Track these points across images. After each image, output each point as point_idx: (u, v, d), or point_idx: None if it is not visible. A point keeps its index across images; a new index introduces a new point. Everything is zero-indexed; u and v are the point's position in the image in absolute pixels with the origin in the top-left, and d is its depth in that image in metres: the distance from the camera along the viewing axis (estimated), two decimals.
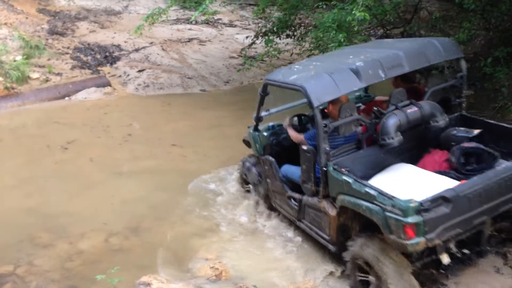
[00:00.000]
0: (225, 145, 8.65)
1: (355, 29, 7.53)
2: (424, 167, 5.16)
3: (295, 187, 5.79)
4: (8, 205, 7.21)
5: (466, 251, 4.86)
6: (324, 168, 4.99)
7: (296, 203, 5.74)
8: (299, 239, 6.12)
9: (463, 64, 5.67)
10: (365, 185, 4.54)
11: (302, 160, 5.33)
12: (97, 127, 9.70)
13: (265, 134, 6.42)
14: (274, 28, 11.01)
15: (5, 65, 10.62)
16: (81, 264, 5.91)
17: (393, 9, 8.99)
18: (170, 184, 7.71)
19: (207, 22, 15.90)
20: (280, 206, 6.25)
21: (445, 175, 4.89)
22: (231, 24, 16.35)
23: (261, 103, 6.03)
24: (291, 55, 11.51)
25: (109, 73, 11.88)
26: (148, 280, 5.08)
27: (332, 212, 5.06)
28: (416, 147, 5.40)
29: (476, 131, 5.30)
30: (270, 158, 6.18)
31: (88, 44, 13.04)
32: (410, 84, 5.87)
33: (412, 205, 4.12)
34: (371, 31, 12.49)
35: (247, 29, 15.38)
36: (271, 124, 6.57)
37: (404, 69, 5.20)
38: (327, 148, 4.95)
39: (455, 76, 5.69)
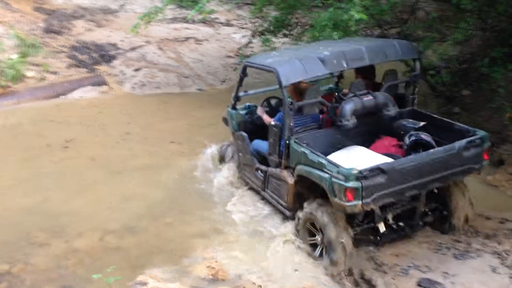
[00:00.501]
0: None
1: (352, 29, 7.53)
2: (374, 150, 5.91)
3: (263, 160, 6.61)
4: (4, 203, 7.17)
5: (401, 223, 5.84)
6: (287, 141, 5.86)
7: (262, 174, 6.57)
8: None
9: (418, 65, 6.55)
10: (318, 156, 5.43)
11: (269, 134, 6.19)
12: (94, 126, 9.67)
13: (241, 112, 7.22)
14: (271, 27, 11.01)
15: (0, 63, 10.58)
16: (77, 263, 5.89)
17: (390, 9, 8.98)
18: (169, 182, 7.70)
19: (204, 21, 15.87)
20: (248, 178, 7.06)
21: (391, 157, 5.61)
22: (228, 23, 16.32)
23: (240, 83, 6.86)
24: None
25: (105, 72, 11.84)
26: (144, 279, 5.08)
27: (291, 180, 5.93)
28: (369, 132, 6.18)
29: (422, 123, 6.13)
30: (243, 133, 6.97)
31: (85, 42, 12.99)
32: (370, 80, 6.66)
33: (353, 172, 4.97)
34: (368, 31, 12.49)
35: (244, 28, 15.36)
36: (247, 104, 7.37)
37: (364, 62, 6.04)
38: (291, 124, 5.81)
39: (410, 75, 6.61)
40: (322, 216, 5.46)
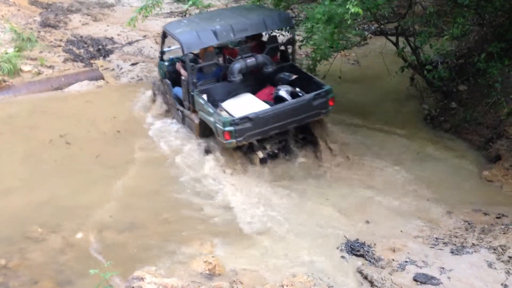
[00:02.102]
0: None
1: (348, 22, 7.50)
2: (259, 96, 8.12)
3: (181, 103, 8.48)
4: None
5: (276, 150, 7.88)
6: (192, 93, 7.85)
7: (181, 114, 8.58)
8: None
9: (293, 31, 8.61)
10: (209, 106, 7.55)
11: (182, 86, 8.20)
12: (92, 120, 9.58)
13: (166, 64, 8.99)
14: None
15: None
16: (74, 258, 5.89)
17: (387, 2, 8.95)
18: (167, 176, 7.74)
19: None
20: (173, 115, 9.04)
21: (267, 103, 7.85)
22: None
23: (162, 42, 8.94)
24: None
25: (102, 66, 11.76)
26: (141, 274, 5.08)
27: (196, 121, 8.04)
28: (257, 83, 8.30)
29: (294, 76, 8.23)
30: (168, 81, 8.87)
31: (81, 36, 12.90)
32: (257, 40, 8.68)
33: (228, 120, 7.21)
34: (365, 26, 12.47)
35: None
36: (171, 57, 9.17)
37: (248, 33, 8.14)
38: (194, 80, 7.85)
39: (287, 39, 8.71)
40: (215, 147, 7.78)
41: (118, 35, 13.06)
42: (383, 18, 10.09)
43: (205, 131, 7.94)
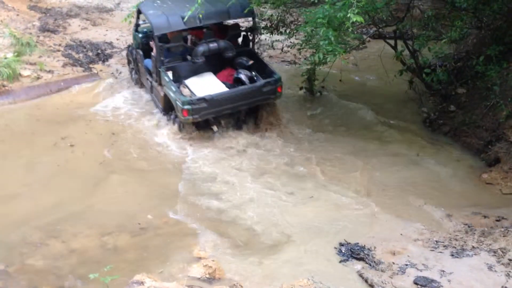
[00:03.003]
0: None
1: (348, 28, 7.48)
2: (219, 77, 9.12)
3: (150, 74, 9.35)
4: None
5: (229, 125, 8.96)
6: (159, 69, 8.79)
7: (150, 84, 9.48)
8: None
9: (254, 18, 9.40)
10: (172, 84, 8.54)
11: (152, 60, 9.11)
12: (93, 124, 9.57)
13: (140, 35, 9.89)
14: (268, 25, 11.06)
15: None
16: (74, 263, 5.87)
17: (385, 6, 8.97)
18: (166, 180, 7.77)
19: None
20: (143, 83, 10.08)
21: (224, 84, 8.89)
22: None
23: (137, 17, 9.81)
24: (282, 49, 11.58)
25: (101, 70, 11.75)
26: (141, 278, 5.06)
27: (162, 94, 8.95)
28: (218, 65, 9.28)
29: (251, 62, 9.28)
30: (140, 52, 9.81)
31: (80, 41, 12.92)
32: (220, 25, 9.60)
33: (186, 99, 8.29)
34: (364, 29, 12.49)
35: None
36: (145, 29, 9.90)
37: (213, 20, 8.95)
38: (162, 58, 8.82)
39: (249, 27, 9.69)
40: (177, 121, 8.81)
41: (117, 39, 13.08)
42: (381, 21, 10.11)
43: (168, 103, 8.88)
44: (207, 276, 5.40)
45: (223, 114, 8.69)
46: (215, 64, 9.25)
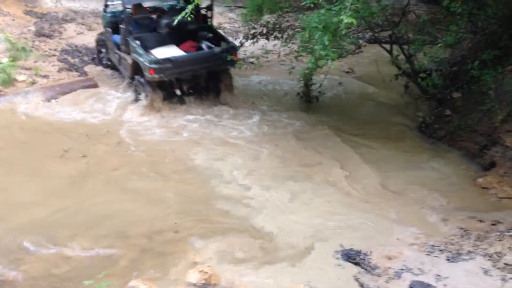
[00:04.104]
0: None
1: (343, 32, 7.49)
2: (181, 48, 10.21)
3: (119, 48, 10.52)
4: None
5: (191, 91, 10.23)
6: (127, 39, 9.90)
7: (118, 56, 10.67)
8: None
9: (211, 5, 10.78)
10: (140, 49, 9.63)
11: (121, 33, 10.25)
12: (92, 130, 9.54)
13: (109, 15, 11.14)
14: (263, 31, 11.06)
15: None
16: (68, 270, 5.82)
17: (381, 11, 9.00)
18: (166, 180, 7.72)
19: None
20: (111, 59, 11.25)
21: (186, 53, 10.00)
22: (219, 27, 16.30)
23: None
24: (279, 56, 11.58)
25: (97, 75, 11.76)
26: (136, 285, 5.04)
27: (130, 61, 10.07)
28: (181, 37, 10.37)
29: (210, 35, 10.63)
30: (109, 29, 11.02)
31: (76, 46, 12.91)
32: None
33: (154, 59, 9.43)
34: (359, 34, 12.53)
35: (236, 31, 15.31)
36: (115, 10, 11.21)
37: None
38: (130, 29, 9.98)
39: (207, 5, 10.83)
40: (144, 82, 9.85)
41: None
42: (377, 26, 10.14)
43: (136, 69, 9.91)
44: (203, 282, 5.38)
45: (185, 75, 9.82)
46: (178, 38, 10.33)
